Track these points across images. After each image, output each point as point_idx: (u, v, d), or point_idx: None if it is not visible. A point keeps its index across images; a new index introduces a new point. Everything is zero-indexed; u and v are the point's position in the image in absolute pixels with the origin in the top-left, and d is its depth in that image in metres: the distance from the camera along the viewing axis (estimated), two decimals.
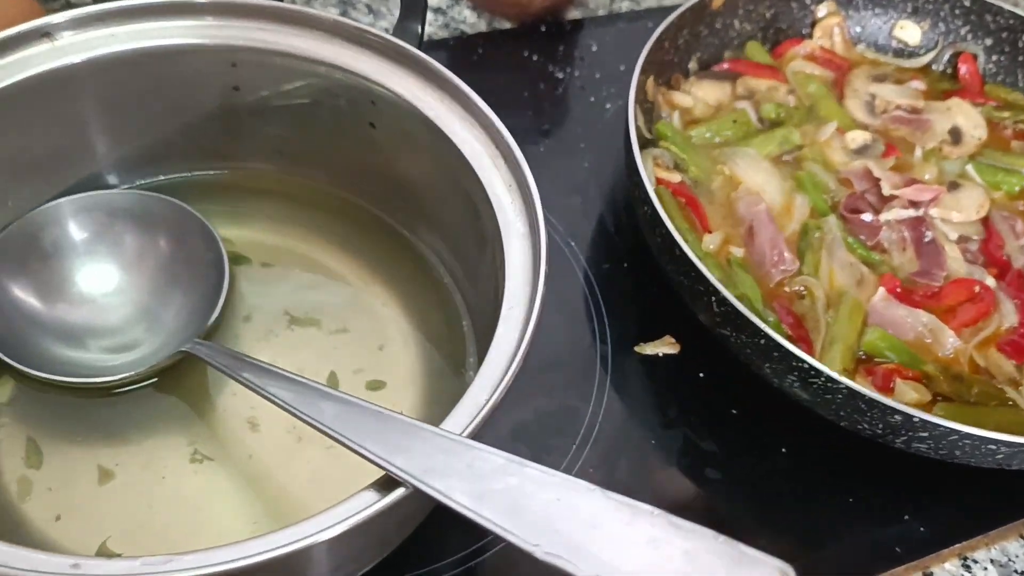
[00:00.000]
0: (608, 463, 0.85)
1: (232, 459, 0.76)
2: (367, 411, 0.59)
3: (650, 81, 1.05)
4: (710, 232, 0.95)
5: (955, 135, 1.10)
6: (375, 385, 0.81)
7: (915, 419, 0.75)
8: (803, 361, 0.77)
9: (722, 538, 0.44)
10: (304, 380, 0.63)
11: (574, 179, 1.09)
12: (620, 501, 0.48)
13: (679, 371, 0.93)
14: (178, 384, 0.79)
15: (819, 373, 0.77)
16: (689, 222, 0.95)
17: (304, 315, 0.85)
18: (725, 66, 1.16)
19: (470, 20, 1.36)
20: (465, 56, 1.28)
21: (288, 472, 0.75)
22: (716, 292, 0.81)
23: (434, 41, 1.30)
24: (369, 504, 0.53)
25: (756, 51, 1.18)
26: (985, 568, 0.85)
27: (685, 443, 0.88)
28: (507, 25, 1.35)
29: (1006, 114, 1.16)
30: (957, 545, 0.85)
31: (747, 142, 1.05)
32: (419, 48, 0.80)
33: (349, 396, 0.60)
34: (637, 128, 0.98)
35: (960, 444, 0.77)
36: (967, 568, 0.85)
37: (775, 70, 1.15)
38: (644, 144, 1.01)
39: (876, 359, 0.88)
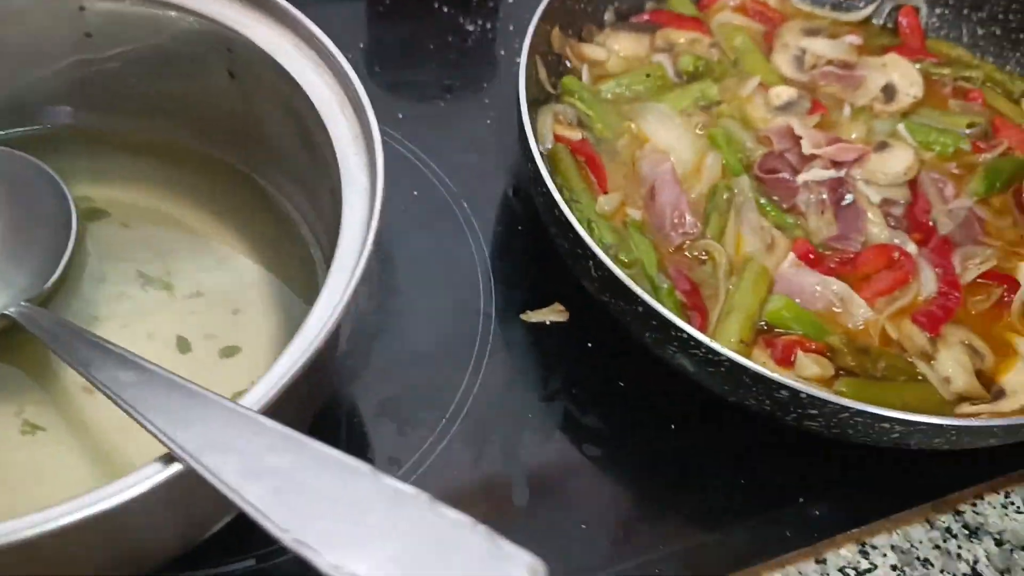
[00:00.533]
0: (478, 439, 0.80)
1: (67, 427, 0.70)
2: (161, 380, 0.53)
3: (556, 32, 0.98)
4: (607, 192, 0.89)
5: (888, 92, 1.03)
6: (229, 352, 0.75)
7: (802, 395, 0.69)
8: (681, 330, 0.71)
9: (481, 529, 0.40)
10: (108, 345, 0.58)
11: (474, 136, 1.04)
12: (389, 485, 0.43)
13: (566, 340, 0.87)
14: (9, 348, 0.73)
15: (699, 344, 0.70)
16: (587, 182, 0.89)
17: (159, 276, 0.79)
18: (645, 17, 1.08)
19: None
20: (372, 5, 1.21)
21: (128, 438, 0.69)
22: (594, 256, 0.74)
23: None
24: (130, 486, 0.47)
25: (680, 2, 1.11)
26: (884, 555, 0.79)
27: (565, 417, 0.83)
28: None
29: (946, 71, 1.09)
30: (855, 530, 0.79)
31: (661, 97, 0.98)
32: None
33: (147, 363, 0.55)
34: (540, 82, 0.93)
35: (852, 422, 0.71)
36: (864, 554, 0.79)
37: (699, 22, 1.08)
38: (548, 99, 0.96)
39: (778, 330, 0.82)
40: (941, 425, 0.70)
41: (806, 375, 0.79)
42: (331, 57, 0.71)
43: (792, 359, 0.80)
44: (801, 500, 0.80)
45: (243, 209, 0.84)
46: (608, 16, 1.07)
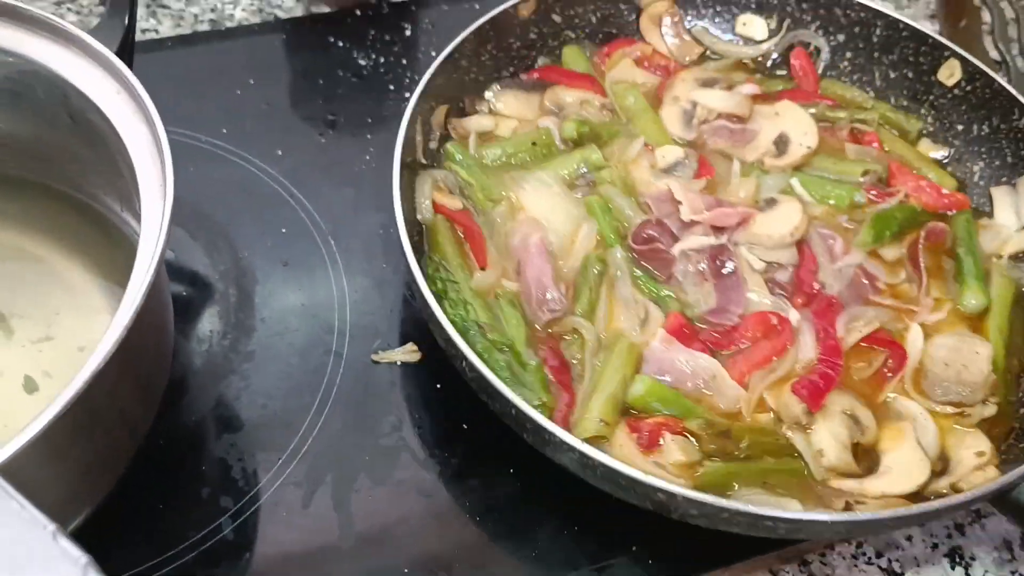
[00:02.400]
0: (312, 481, 0.82)
1: None
2: None
3: (440, 111, 0.96)
4: (485, 267, 0.87)
5: (781, 144, 1.01)
6: None
7: (659, 492, 0.67)
8: (533, 421, 0.69)
9: (51, 528, 0.43)
10: None
11: (352, 173, 1.04)
12: None
13: (416, 381, 0.88)
14: None
15: (540, 428, 0.69)
16: (464, 256, 0.88)
17: (9, 313, 0.82)
18: (535, 76, 1.06)
19: (287, 4, 1.28)
20: (266, 44, 1.21)
21: None
22: (443, 331, 0.74)
23: (242, 27, 1.24)
24: None
25: (573, 57, 1.08)
26: None
27: (403, 460, 0.84)
28: (325, 9, 1.25)
29: (841, 114, 1.06)
30: None
31: (544, 164, 0.96)
32: (131, 42, 0.85)
33: None
34: (420, 143, 0.92)
35: (736, 521, 0.69)
36: None
37: (591, 79, 1.06)
38: (433, 159, 0.95)
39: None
40: (827, 521, 0.69)
41: (672, 460, 0.77)
42: (148, 110, 0.73)
43: (659, 443, 0.78)
44: (634, 548, 0.79)
45: (91, 242, 0.88)
46: (497, 86, 1.04)
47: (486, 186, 0.93)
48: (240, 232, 1.00)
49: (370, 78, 1.18)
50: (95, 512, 0.71)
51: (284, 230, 1.00)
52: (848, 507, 0.77)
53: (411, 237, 0.80)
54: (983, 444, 0.82)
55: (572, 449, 0.69)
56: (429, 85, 0.91)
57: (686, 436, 0.79)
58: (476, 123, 0.99)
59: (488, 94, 1.03)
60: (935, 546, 0.86)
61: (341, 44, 1.22)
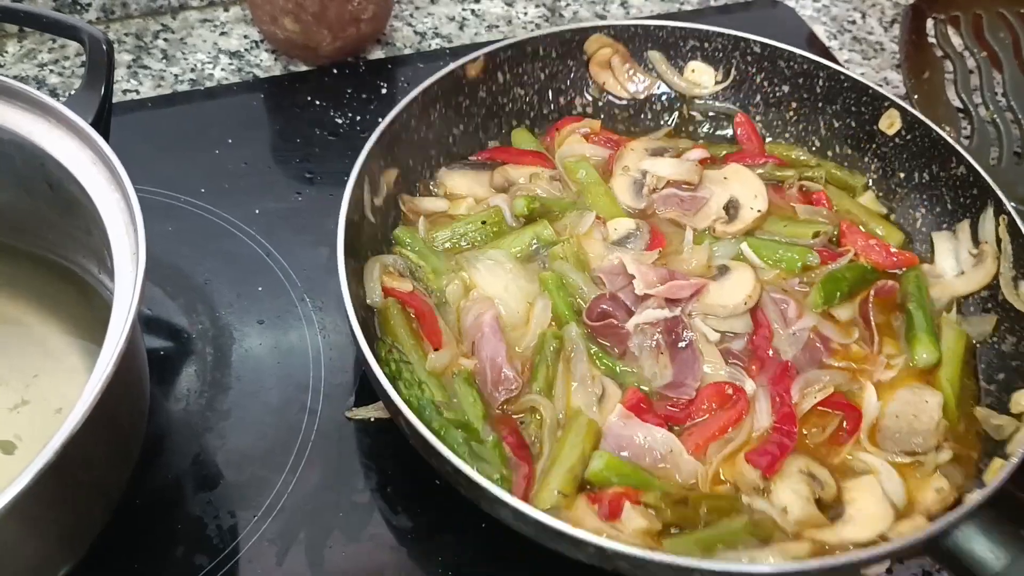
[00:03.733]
0: (286, 538, 0.83)
1: None
2: None
3: (391, 173, 0.97)
4: (439, 348, 0.88)
5: (732, 209, 1.03)
6: None
7: (626, 555, 0.68)
8: (488, 491, 0.71)
9: None
10: None
11: (328, 231, 1.03)
12: None
13: (389, 437, 0.88)
14: None
15: (501, 502, 0.70)
16: (417, 337, 0.89)
17: None
18: (481, 157, 1.08)
19: (266, 63, 1.30)
20: (244, 103, 1.24)
21: None
22: (399, 411, 0.75)
23: (222, 86, 1.27)
24: None
25: (522, 138, 1.10)
26: None
27: (377, 516, 0.85)
28: (303, 67, 1.28)
29: (789, 172, 1.09)
30: None
31: (496, 244, 0.97)
32: (108, 111, 0.88)
33: None
34: (368, 201, 0.93)
35: None
36: None
37: (540, 156, 1.07)
38: (380, 246, 0.96)
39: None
40: (764, 574, 0.71)
41: (633, 528, 0.77)
42: (115, 169, 0.77)
43: (619, 513, 0.78)
44: None
45: (70, 304, 0.90)
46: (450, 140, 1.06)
47: (437, 268, 0.95)
48: (217, 290, 1.02)
49: (346, 135, 1.20)
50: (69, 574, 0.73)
51: (260, 288, 1.03)
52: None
53: (360, 318, 0.82)
54: (941, 482, 0.84)
55: (534, 522, 0.70)
56: (377, 144, 0.93)
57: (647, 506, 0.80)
58: (429, 204, 1.01)
59: (439, 175, 1.05)
60: None
61: (318, 103, 1.25)
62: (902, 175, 1.10)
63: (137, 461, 0.81)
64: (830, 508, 0.83)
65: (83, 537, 0.75)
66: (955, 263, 1.03)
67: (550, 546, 0.75)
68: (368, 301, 0.91)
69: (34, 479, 0.57)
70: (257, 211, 1.10)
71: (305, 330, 0.99)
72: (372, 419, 0.91)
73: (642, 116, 1.19)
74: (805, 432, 0.88)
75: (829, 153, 1.15)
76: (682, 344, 0.90)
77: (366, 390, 0.93)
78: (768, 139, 1.17)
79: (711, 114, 1.19)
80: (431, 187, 1.05)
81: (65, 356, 0.89)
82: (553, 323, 0.92)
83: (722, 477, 0.84)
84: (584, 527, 0.72)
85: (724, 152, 1.12)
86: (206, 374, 0.95)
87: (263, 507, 0.85)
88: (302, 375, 0.95)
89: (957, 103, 1.32)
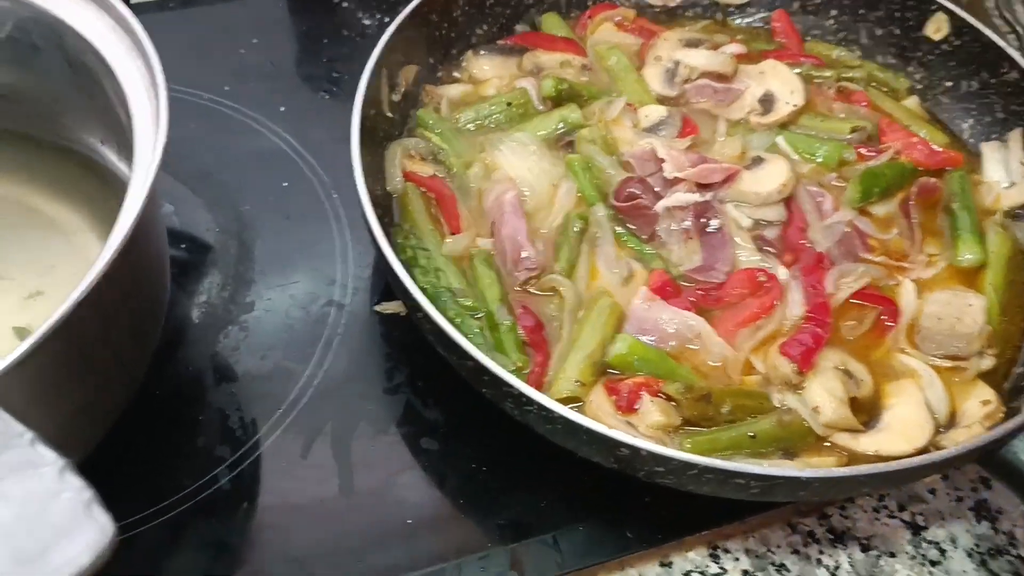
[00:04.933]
0: (311, 430, 0.81)
1: None
2: None
3: (410, 69, 0.94)
4: (458, 232, 0.85)
5: (767, 103, 0.98)
6: None
7: (643, 452, 0.65)
8: (509, 385, 0.67)
9: (28, 436, 0.44)
10: None
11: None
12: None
13: (419, 333, 0.84)
14: None
15: (525, 398, 0.66)
16: (436, 223, 0.86)
17: (4, 267, 0.82)
18: (514, 40, 1.04)
19: None
20: (270, 4, 1.23)
21: None
22: (406, 292, 0.72)
23: None
24: None
25: (553, 23, 1.06)
26: (736, 559, 0.78)
27: (406, 410, 0.83)
28: None
29: (828, 73, 1.04)
30: (706, 532, 0.78)
31: (521, 125, 0.94)
32: None
33: None
34: (385, 96, 0.91)
35: (705, 479, 0.67)
36: (714, 558, 0.78)
37: (571, 42, 1.03)
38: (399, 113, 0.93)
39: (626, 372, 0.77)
40: (799, 478, 0.66)
41: (650, 423, 0.74)
42: (134, 33, 0.75)
43: (636, 406, 0.75)
44: (647, 500, 0.77)
45: (91, 194, 0.88)
46: (476, 40, 1.03)
47: (460, 150, 0.91)
48: (242, 187, 1.00)
49: (374, 37, 1.16)
50: (87, 459, 0.69)
51: (286, 184, 1.01)
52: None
53: (379, 207, 0.79)
54: (988, 393, 0.80)
55: (547, 412, 0.67)
56: (395, 36, 0.90)
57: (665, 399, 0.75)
58: (453, 91, 0.97)
59: (465, 59, 1.02)
60: (959, 499, 0.85)
61: (346, 4, 1.22)
62: (949, 84, 1.05)
63: (158, 346, 0.79)
64: (865, 413, 0.79)
65: (101, 419, 0.73)
66: (1005, 174, 0.98)
67: (556, 439, 0.72)
68: (388, 187, 0.88)
69: (47, 332, 0.55)
70: (283, 108, 1.08)
71: (332, 224, 0.97)
72: (401, 313, 0.89)
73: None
74: (841, 326, 0.84)
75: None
76: (711, 229, 0.87)
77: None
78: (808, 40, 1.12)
79: (745, 25, 1.14)
80: (455, 75, 1.02)
81: (83, 248, 0.86)
82: (578, 205, 0.89)
83: (756, 367, 0.80)
84: (597, 418, 0.69)
85: (764, 48, 1.07)
86: (229, 268, 0.94)
87: (288, 399, 0.83)
88: (329, 268, 0.94)
89: (999, 22, 1.26)
